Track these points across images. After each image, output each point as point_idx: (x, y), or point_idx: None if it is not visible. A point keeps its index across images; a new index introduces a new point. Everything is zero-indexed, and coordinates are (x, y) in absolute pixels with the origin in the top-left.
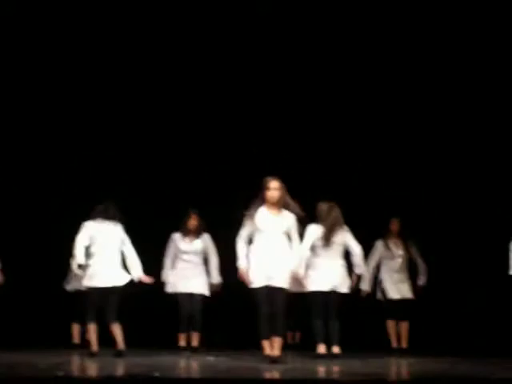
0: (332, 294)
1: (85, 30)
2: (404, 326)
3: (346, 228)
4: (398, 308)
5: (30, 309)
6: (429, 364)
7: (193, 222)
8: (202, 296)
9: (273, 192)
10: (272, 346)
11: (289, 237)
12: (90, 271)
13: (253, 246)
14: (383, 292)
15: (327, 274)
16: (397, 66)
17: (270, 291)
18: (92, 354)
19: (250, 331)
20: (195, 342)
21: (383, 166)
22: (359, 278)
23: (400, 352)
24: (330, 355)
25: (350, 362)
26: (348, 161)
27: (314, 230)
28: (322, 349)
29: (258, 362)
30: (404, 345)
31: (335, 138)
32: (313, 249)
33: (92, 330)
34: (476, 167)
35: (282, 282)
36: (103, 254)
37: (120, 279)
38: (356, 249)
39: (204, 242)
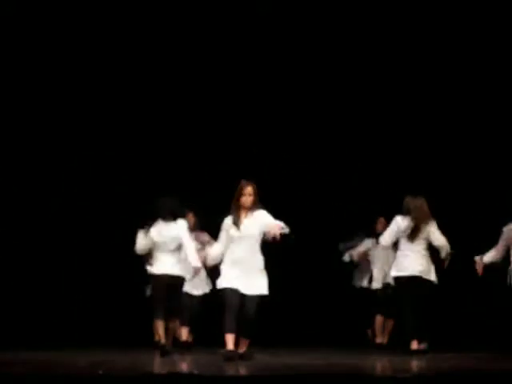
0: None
1: (87, 24)
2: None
3: (432, 222)
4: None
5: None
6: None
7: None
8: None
9: (247, 197)
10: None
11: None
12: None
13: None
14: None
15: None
16: (396, 62)
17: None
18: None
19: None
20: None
21: (385, 165)
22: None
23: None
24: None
25: None
26: (348, 160)
27: (400, 222)
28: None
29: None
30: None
31: (335, 138)
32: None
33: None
34: (486, 157)
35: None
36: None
37: None
38: (439, 241)
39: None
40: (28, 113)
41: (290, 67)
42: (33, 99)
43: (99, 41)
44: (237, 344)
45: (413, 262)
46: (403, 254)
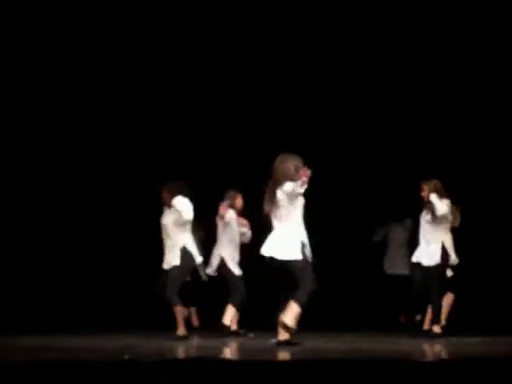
0: None
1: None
2: None
3: None
4: None
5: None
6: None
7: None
8: None
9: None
10: None
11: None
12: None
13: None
14: None
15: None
16: (406, 55)
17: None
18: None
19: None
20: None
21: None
22: None
23: None
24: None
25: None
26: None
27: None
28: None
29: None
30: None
31: (337, 134)
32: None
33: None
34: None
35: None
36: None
37: None
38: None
39: None
40: (28, 106)
41: (300, 58)
42: (33, 94)
43: (99, 34)
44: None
45: None
46: None
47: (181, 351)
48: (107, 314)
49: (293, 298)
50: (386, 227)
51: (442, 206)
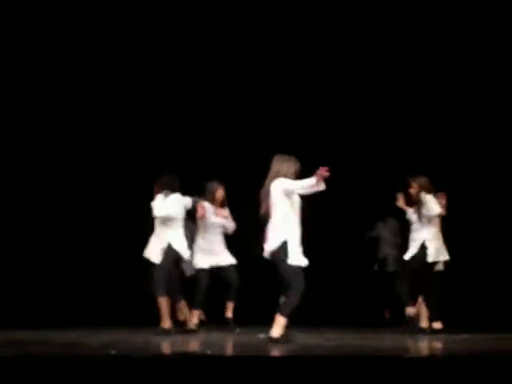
0: None
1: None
2: None
3: None
4: None
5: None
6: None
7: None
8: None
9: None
10: None
11: None
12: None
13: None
14: None
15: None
16: (406, 55)
17: None
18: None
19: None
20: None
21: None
22: None
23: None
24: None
25: None
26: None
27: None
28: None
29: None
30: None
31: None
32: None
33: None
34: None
35: None
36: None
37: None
38: None
39: None
40: (27, 106)
41: (299, 57)
42: (31, 94)
43: (99, 34)
44: None
45: None
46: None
47: (167, 346)
48: (97, 308)
49: (278, 311)
50: (376, 226)
51: (435, 205)
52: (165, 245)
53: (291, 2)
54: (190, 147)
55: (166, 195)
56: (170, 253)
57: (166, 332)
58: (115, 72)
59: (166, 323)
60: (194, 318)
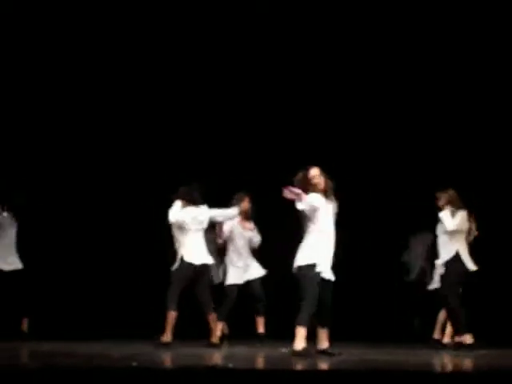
0: None
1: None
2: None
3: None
4: None
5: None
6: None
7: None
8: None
9: (319, 179)
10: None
11: None
12: None
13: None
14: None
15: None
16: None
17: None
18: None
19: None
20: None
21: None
22: None
23: None
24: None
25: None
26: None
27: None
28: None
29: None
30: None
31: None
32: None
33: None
34: None
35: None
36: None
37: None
38: None
39: None
40: (35, 108)
41: (314, 63)
42: (34, 97)
43: (104, 35)
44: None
45: None
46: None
47: (188, 359)
48: (121, 321)
49: (296, 323)
50: (410, 242)
51: (451, 221)
52: (179, 256)
53: (296, 3)
54: (214, 157)
55: (184, 206)
56: (183, 265)
57: (165, 345)
58: (134, 79)
59: (166, 336)
60: (217, 333)
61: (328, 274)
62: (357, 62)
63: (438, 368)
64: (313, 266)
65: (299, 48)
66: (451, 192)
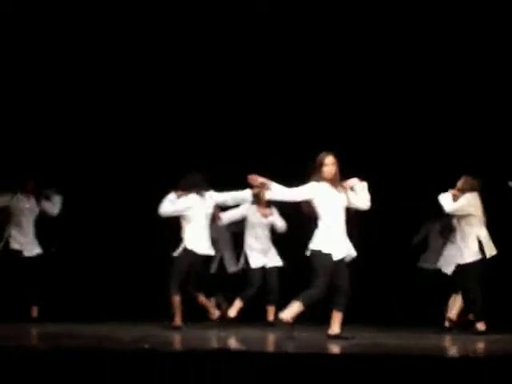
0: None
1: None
2: None
3: None
4: None
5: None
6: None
7: None
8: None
9: (330, 167)
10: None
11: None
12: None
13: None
14: None
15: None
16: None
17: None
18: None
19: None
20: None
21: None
22: None
23: None
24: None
25: None
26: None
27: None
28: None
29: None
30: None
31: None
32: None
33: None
34: None
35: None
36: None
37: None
38: None
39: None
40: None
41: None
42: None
43: (106, 32)
44: None
45: None
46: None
47: (196, 342)
48: (131, 302)
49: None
50: (424, 228)
51: (448, 203)
52: (182, 243)
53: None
54: (227, 144)
55: (185, 195)
56: (185, 252)
57: (176, 329)
58: (143, 75)
59: (176, 321)
60: (235, 309)
61: (341, 253)
62: (357, 62)
63: (450, 352)
64: (324, 253)
65: (306, 41)
66: (467, 178)
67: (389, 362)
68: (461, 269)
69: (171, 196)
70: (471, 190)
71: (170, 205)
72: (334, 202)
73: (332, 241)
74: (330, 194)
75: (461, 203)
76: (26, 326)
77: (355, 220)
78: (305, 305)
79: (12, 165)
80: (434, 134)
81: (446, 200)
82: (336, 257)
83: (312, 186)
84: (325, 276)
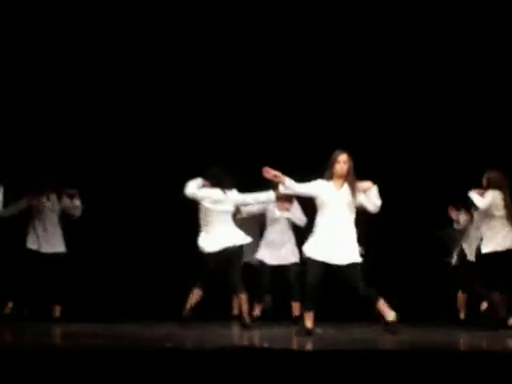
0: None
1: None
2: None
3: None
4: None
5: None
6: None
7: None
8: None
9: (342, 165)
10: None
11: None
12: None
13: (318, 219)
14: None
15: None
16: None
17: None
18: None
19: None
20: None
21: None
22: None
23: None
24: None
25: None
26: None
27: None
28: None
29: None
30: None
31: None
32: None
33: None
34: None
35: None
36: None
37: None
38: None
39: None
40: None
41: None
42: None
43: (114, 20)
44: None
45: None
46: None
47: (223, 340)
48: (154, 302)
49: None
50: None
51: (479, 200)
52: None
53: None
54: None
55: (209, 187)
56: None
57: (183, 319)
58: (155, 75)
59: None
60: (256, 309)
61: (337, 259)
62: (357, 64)
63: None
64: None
65: (311, 38)
66: (494, 173)
67: (436, 357)
68: (481, 258)
69: (199, 180)
70: (501, 186)
71: (196, 187)
72: (335, 204)
73: (326, 244)
74: (331, 195)
75: (486, 201)
76: (48, 325)
77: (361, 219)
78: (307, 307)
79: (32, 164)
80: (439, 134)
81: (476, 197)
82: (329, 262)
83: (316, 184)
84: (313, 278)
